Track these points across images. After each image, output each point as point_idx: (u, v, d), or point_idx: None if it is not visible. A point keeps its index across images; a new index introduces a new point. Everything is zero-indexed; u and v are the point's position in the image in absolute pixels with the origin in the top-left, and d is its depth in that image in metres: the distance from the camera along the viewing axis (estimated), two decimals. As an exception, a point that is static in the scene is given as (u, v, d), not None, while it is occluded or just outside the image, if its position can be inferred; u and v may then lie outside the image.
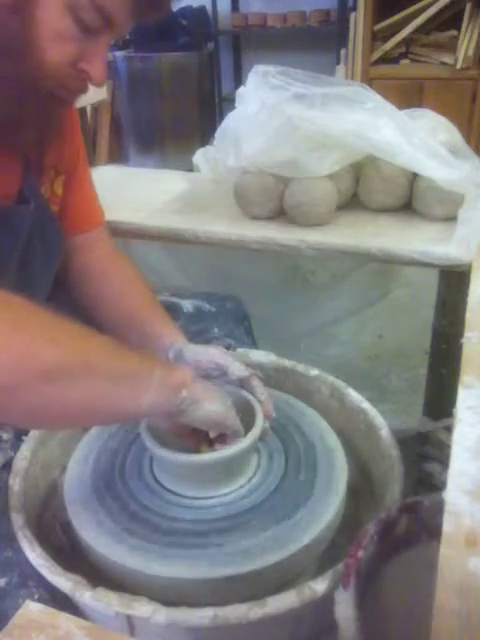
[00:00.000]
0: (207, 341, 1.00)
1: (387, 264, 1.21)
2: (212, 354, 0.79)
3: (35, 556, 0.63)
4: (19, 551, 0.66)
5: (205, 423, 0.67)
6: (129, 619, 0.59)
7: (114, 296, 0.89)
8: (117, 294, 0.89)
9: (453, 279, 0.96)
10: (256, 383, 0.78)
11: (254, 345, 1.07)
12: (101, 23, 0.65)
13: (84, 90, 0.72)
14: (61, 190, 0.86)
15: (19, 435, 0.81)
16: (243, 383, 0.78)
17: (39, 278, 0.84)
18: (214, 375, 0.79)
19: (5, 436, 0.80)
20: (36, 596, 0.65)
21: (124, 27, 0.68)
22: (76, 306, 0.93)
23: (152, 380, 0.59)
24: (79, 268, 0.92)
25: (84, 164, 0.92)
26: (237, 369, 0.77)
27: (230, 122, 1.10)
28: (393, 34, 2.68)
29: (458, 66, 2.57)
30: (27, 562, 0.65)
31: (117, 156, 3.42)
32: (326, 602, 0.55)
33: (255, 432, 0.70)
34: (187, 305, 1.05)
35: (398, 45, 2.71)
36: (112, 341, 0.58)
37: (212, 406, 0.65)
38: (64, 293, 0.93)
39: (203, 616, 0.57)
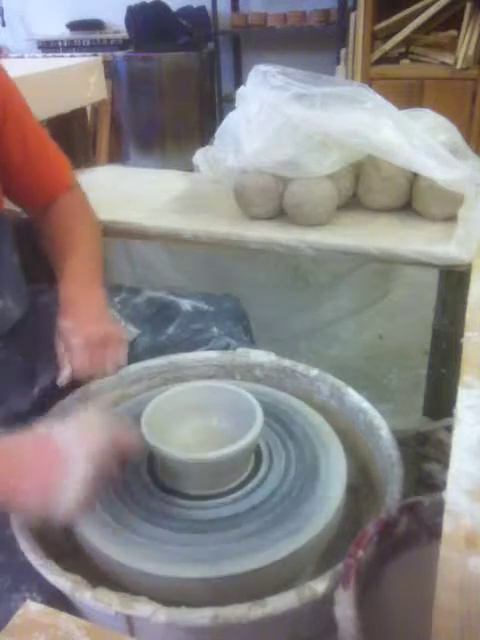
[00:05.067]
0: (206, 340, 1.00)
1: (387, 264, 1.21)
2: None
3: (34, 556, 0.63)
4: (11, 555, 0.66)
5: None
6: (129, 619, 0.59)
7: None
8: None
9: (453, 279, 0.96)
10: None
11: (253, 344, 1.07)
12: None
13: None
14: None
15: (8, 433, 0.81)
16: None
17: None
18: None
19: None
20: (28, 600, 0.65)
21: None
22: None
23: None
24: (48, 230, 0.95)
25: (22, 145, 0.90)
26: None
27: (230, 122, 1.10)
28: (393, 34, 2.68)
29: (458, 66, 2.57)
30: (20, 566, 0.64)
31: (117, 156, 3.41)
32: (326, 602, 0.55)
33: (254, 431, 0.70)
34: (185, 304, 1.05)
35: (398, 45, 2.72)
36: None
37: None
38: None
39: (203, 616, 0.57)
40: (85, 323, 0.82)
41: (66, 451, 0.60)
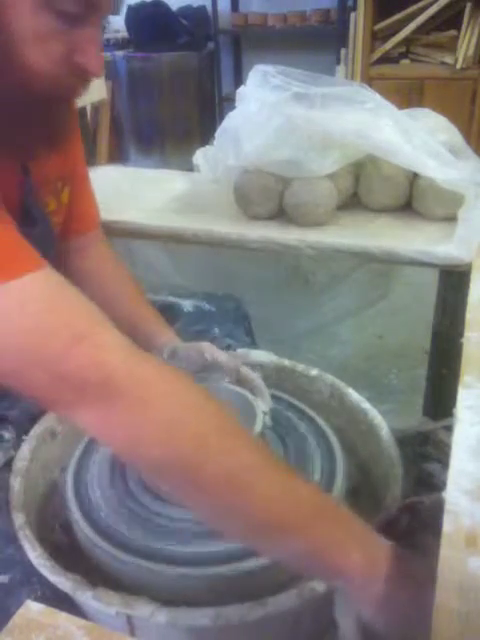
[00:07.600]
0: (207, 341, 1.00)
1: (387, 264, 1.21)
2: (202, 347, 0.82)
3: (35, 555, 0.63)
4: (21, 548, 0.66)
5: None
6: (129, 619, 0.59)
7: (110, 299, 0.89)
8: (113, 297, 0.88)
9: (453, 279, 0.96)
10: (245, 370, 0.81)
11: (254, 345, 1.07)
12: (82, 8, 0.55)
13: (84, 84, 0.65)
14: (67, 199, 0.85)
15: (20, 434, 0.81)
16: (236, 373, 0.80)
17: None
18: (209, 368, 0.81)
19: (6, 435, 0.80)
20: (39, 593, 0.65)
21: (108, 4, 0.59)
22: None
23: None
24: (75, 271, 0.90)
25: (83, 166, 0.91)
26: (226, 359, 0.81)
27: (230, 122, 1.10)
28: (393, 34, 2.68)
29: (458, 66, 2.57)
30: (30, 560, 0.65)
31: (117, 156, 3.41)
32: (326, 602, 0.55)
33: (254, 432, 0.70)
34: (187, 305, 1.05)
35: (398, 45, 2.71)
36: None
37: None
38: None
39: (203, 616, 0.57)
40: None
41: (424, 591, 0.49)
